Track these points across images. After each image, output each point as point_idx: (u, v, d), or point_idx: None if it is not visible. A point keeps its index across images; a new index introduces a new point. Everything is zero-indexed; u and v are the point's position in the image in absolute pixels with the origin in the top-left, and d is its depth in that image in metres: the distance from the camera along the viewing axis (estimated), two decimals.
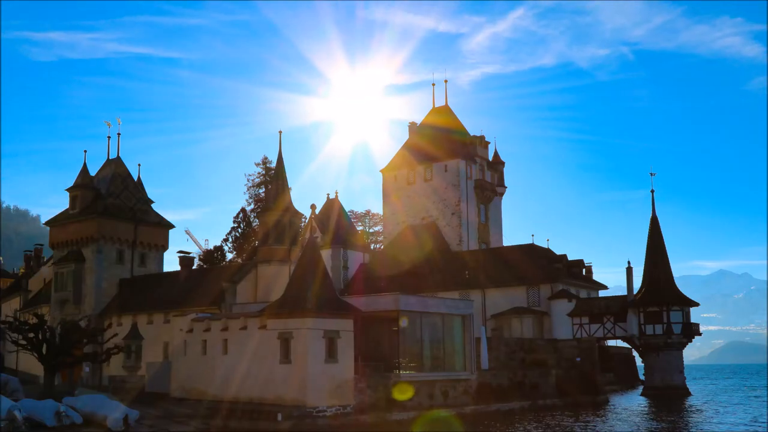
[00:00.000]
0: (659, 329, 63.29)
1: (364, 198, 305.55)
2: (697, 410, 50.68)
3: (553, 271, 71.32)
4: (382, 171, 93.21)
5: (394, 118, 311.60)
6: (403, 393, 39.49)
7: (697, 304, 65.80)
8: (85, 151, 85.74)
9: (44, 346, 43.71)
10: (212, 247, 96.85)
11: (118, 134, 66.43)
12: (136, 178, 66.50)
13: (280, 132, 56.79)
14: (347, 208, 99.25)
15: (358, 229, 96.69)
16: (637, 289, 66.22)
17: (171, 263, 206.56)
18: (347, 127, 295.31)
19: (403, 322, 40.71)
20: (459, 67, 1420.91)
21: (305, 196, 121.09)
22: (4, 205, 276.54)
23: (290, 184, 54.74)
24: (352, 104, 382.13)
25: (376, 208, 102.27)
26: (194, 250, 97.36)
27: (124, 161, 66.12)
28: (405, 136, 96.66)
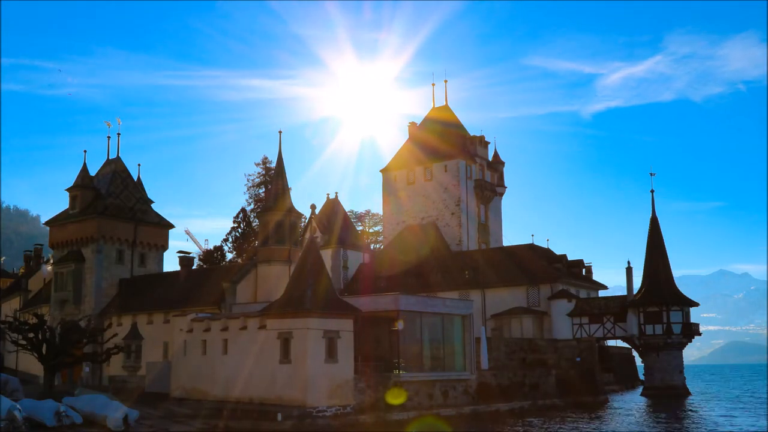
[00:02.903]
0: (659, 329, 63.28)
1: (371, 196, 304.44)
2: (697, 410, 50.71)
3: (553, 271, 71.30)
4: (382, 171, 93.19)
5: (404, 113, 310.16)
6: (396, 397, 39.31)
7: (696, 304, 65.80)
8: (85, 151, 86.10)
9: (44, 346, 43.70)
10: (212, 247, 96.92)
11: (118, 134, 66.43)
12: (136, 178, 66.48)
13: (280, 132, 56.64)
14: (350, 208, 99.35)
15: (358, 229, 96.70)
16: (637, 289, 66.21)
17: (171, 263, 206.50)
18: (354, 123, 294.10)
19: (399, 325, 40.70)
20: (588, 101, 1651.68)
21: (310, 195, 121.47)
22: (4, 205, 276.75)
23: (293, 183, 54.98)
24: (359, 99, 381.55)
25: (377, 207, 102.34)
26: (194, 250, 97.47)
27: (123, 160, 66.11)
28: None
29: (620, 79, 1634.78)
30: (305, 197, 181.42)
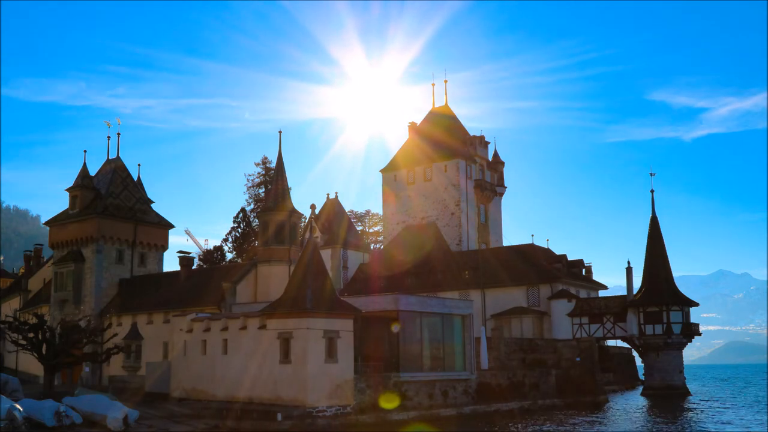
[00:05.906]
0: (659, 329, 63.31)
1: (376, 195, 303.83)
2: (697, 410, 50.70)
3: (553, 271, 71.34)
4: (382, 171, 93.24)
5: (414, 111, 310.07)
6: (389, 401, 39.13)
7: (696, 304, 65.82)
8: (85, 151, 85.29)
9: (44, 346, 43.71)
10: (212, 247, 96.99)
11: (118, 134, 66.33)
12: (136, 178, 66.45)
13: (280, 132, 56.36)
14: (354, 208, 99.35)
15: (358, 229, 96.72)
16: (637, 289, 66.23)
17: (171, 263, 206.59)
18: (361, 122, 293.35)
19: (395, 328, 40.69)
20: (691, 127, 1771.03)
21: (314, 194, 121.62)
22: (4, 205, 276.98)
23: (295, 182, 55.49)
24: (367, 98, 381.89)
25: (377, 207, 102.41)
26: (194, 250, 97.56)
27: (123, 160, 66.07)
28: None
29: (726, 111, 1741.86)
30: (309, 197, 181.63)
